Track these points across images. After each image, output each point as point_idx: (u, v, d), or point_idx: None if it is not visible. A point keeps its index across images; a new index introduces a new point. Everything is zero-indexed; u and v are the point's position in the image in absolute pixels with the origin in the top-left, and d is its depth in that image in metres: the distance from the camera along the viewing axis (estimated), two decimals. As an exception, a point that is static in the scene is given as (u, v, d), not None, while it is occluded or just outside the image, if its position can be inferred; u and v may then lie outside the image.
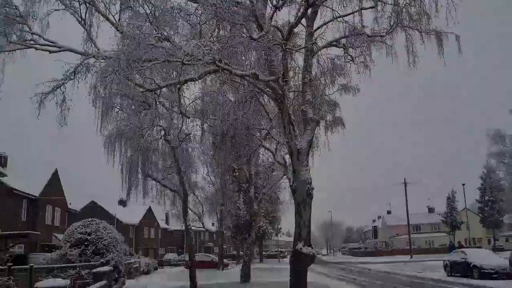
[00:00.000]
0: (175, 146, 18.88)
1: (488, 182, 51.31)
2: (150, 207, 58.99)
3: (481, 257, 21.35)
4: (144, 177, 20.27)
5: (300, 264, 11.47)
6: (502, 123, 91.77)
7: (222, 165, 22.97)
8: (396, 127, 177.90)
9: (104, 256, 15.38)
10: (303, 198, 11.75)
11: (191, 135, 20.29)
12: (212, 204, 39.64)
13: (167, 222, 70.55)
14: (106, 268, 13.20)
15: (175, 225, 61.73)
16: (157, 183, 21.12)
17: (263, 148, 22.33)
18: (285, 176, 30.36)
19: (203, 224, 38.91)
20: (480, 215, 55.11)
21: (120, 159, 19.16)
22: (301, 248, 11.41)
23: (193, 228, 34.39)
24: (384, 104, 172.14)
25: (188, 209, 23.81)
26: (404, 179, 53.06)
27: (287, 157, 18.15)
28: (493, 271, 19.89)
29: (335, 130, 18.75)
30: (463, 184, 49.64)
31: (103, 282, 12.00)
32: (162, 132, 18.96)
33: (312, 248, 11.75)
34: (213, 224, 54.04)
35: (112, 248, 15.94)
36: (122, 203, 55.81)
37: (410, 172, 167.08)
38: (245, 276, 20.75)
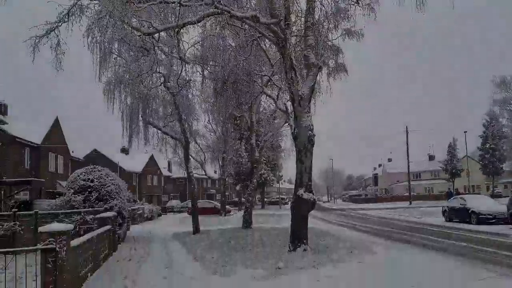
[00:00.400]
0: (175, 93, 18.62)
1: (490, 129, 51.27)
2: (152, 155, 59.48)
3: (480, 203, 21.61)
4: (145, 125, 20.15)
5: (301, 210, 11.59)
6: (509, 70, 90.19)
7: (223, 112, 22.77)
8: (400, 75, 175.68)
9: (108, 202, 15.55)
10: (304, 144, 11.68)
11: (191, 82, 19.98)
12: (214, 151, 39.84)
13: (169, 169, 71.43)
14: (110, 214, 13.37)
15: (178, 172, 62.60)
16: (158, 131, 21.05)
17: (265, 95, 22.02)
18: (287, 124, 30.30)
19: (205, 171, 39.31)
20: (480, 162, 55.54)
21: (120, 107, 18.98)
22: (302, 194, 11.49)
23: (195, 175, 34.73)
24: (388, 51, 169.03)
25: (190, 157, 23.93)
26: (406, 127, 52.99)
27: (289, 104, 17.88)
28: (491, 216, 20.22)
29: (337, 77, 18.31)
30: (465, 132, 49.58)
31: (108, 227, 12.19)
32: (162, 79, 18.64)
33: (313, 194, 11.83)
34: (215, 172, 54.52)
35: (115, 195, 16.08)
36: (125, 151, 56.30)
37: (412, 121, 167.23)
38: (247, 222, 21.17)
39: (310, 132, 11.70)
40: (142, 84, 18.03)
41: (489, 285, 7.62)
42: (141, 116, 19.81)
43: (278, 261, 9.87)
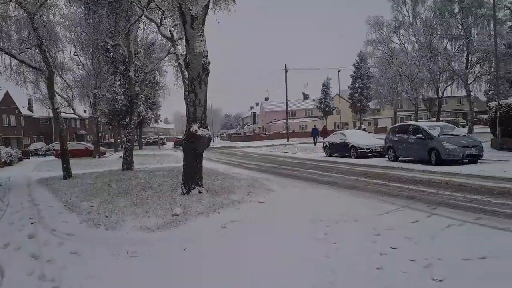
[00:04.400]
0: (34, 13, 15.23)
1: (360, 70, 54.73)
2: (7, 91, 51.79)
3: (359, 138, 22.71)
4: (-7, 50, 16.41)
5: (195, 147, 10.27)
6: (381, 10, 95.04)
7: (95, 40, 19.78)
8: (284, 11, 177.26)
9: None
10: (198, 73, 10.16)
11: (54, 5, 16.62)
12: (83, 87, 35.74)
13: (30, 109, 63.55)
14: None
15: (41, 112, 55.75)
16: (12, 58, 17.37)
17: (144, 22, 19.55)
18: (167, 58, 27.99)
19: (74, 110, 35.13)
20: (350, 101, 59.57)
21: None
22: (196, 130, 10.13)
23: (62, 114, 30.83)
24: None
25: (55, 93, 20.63)
26: (285, 65, 53.81)
27: (174, 30, 15.95)
28: (368, 150, 21.38)
29: (224, 7, 16.68)
30: (338, 71, 52.19)
31: None
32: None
33: (208, 129, 10.55)
34: (85, 111, 49.74)
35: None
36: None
37: (290, 60, 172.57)
38: (128, 163, 19.13)
39: (204, 59, 10.17)
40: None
41: (398, 217, 7.35)
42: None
43: (173, 206, 8.57)
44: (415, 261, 5.06)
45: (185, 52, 10.67)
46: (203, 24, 10.43)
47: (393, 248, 5.62)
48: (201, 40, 10.20)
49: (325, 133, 36.04)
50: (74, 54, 33.19)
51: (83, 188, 13.02)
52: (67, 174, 16.86)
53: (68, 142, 35.66)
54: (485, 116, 57.79)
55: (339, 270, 4.84)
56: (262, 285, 4.61)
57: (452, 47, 38.81)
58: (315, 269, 4.97)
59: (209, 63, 10.32)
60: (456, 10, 38.26)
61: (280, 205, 9.01)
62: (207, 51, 10.26)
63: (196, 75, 10.18)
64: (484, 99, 60.99)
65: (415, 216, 7.41)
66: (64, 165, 16.98)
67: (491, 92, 51.59)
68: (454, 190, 9.96)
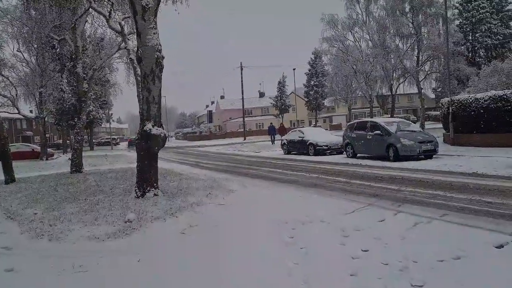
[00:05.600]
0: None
1: (315, 67, 55.18)
2: None
3: (317, 135, 22.65)
4: None
5: (150, 147, 9.61)
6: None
7: (39, 35, 18.50)
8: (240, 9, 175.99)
9: None
10: (151, 68, 9.51)
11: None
12: (28, 86, 33.69)
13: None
14: None
15: (-19, 112, 52.32)
16: None
17: (91, 15, 18.47)
18: (118, 54, 26.81)
19: (18, 110, 33.00)
20: (305, 99, 59.99)
21: None
22: (150, 129, 9.49)
23: (5, 114, 28.97)
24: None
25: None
26: (241, 63, 53.42)
27: (124, 23, 15.07)
28: (326, 147, 21.34)
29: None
30: (294, 69, 52.40)
31: None
32: None
33: (163, 128, 9.92)
34: (31, 111, 47.11)
35: None
36: None
37: (246, 58, 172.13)
38: (77, 165, 17.97)
39: (158, 53, 9.53)
40: None
41: (364, 217, 7.09)
42: None
43: (126, 211, 7.90)
44: (388, 264, 4.76)
45: (136, 46, 9.97)
46: (156, 16, 9.80)
47: (364, 250, 5.31)
48: (154, 33, 9.57)
49: (283, 130, 35.88)
50: (17, 51, 31.24)
51: (27, 193, 12.00)
52: (9, 178, 15.58)
53: (13, 144, 33.62)
54: (435, 113, 60.10)
55: (312, 280, 4.43)
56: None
57: (403, 45, 39.87)
58: (287, 279, 4.52)
59: (163, 57, 9.69)
60: (407, 9, 39.34)
61: (242, 206, 8.55)
62: (160, 45, 9.63)
63: (149, 71, 9.52)
64: (433, 96, 63.39)
65: (381, 215, 7.17)
66: (6, 169, 15.68)
67: (439, 89, 53.64)
68: (416, 186, 9.88)
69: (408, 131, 16.96)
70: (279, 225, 6.73)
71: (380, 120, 18.74)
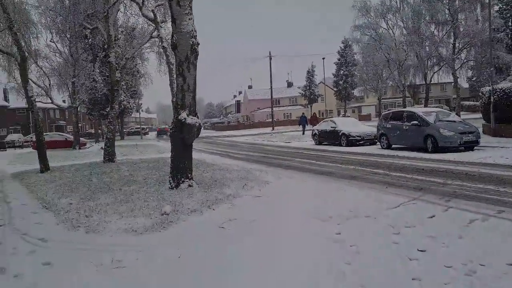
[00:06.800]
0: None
1: (344, 56, 54.06)
2: (-19, 81, 49.53)
3: (349, 125, 22.04)
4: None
5: (185, 137, 9.38)
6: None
7: (72, 24, 18.54)
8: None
9: None
10: (186, 55, 9.23)
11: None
12: (61, 76, 34.19)
13: (5, 99, 61.32)
14: None
15: (17, 102, 53.71)
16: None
17: (124, 5, 18.39)
18: (149, 44, 26.76)
19: (51, 99, 33.60)
20: (335, 88, 58.96)
21: None
22: (185, 118, 9.23)
23: (40, 104, 29.35)
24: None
25: (31, 82, 19.37)
26: (269, 52, 52.78)
27: (157, 10, 14.88)
28: (359, 137, 20.75)
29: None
30: (323, 58, 51.40)
31: None
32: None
33: (198, 117, 9.65)
34: (64, 101, 47.99)
35: None
36: None
37: (275, 47, 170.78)
38: (110, 154, 18.03)
39: (193, 39, 9.25)
40: None
41: (412, 212, 6.63)
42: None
43: (162, 202, 7.70)
44: (452, 267, 4.32)
45: (171, 33, 9.70)
46: (191, 1, 9.48)
47: (421, 250, 4.88)
48: (189, 19, 9.27)
49: (314, 120, 35.31)
50: (50, 41, 31.67)
51: (61, 182, 12.04)
52: (44, 167, 15.74)
53: (47, 133, 34.21)
54: (468, 103, 58.05)
55: (370, 285, 4.03)
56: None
57: (439, 32, 38.38)
58: (342, 284, 4.13)
59: (198, 43, 9.40)
60: (443, -6, 37.75)
61: (280, 199, 8.23)
62: (195, 31, 9.34)
63: (184, 57, 9.25)
64: (466, 85, 61.17)
65: (430, 210, 6.69)
66: (41, 158, 15.84)
67: (474, 78, 51.61)
68: (462, 180, 9.31)
69: (447, 121, 16.18)
70: (323, 220, 6.37)
71: (418, 109, 17.99)
